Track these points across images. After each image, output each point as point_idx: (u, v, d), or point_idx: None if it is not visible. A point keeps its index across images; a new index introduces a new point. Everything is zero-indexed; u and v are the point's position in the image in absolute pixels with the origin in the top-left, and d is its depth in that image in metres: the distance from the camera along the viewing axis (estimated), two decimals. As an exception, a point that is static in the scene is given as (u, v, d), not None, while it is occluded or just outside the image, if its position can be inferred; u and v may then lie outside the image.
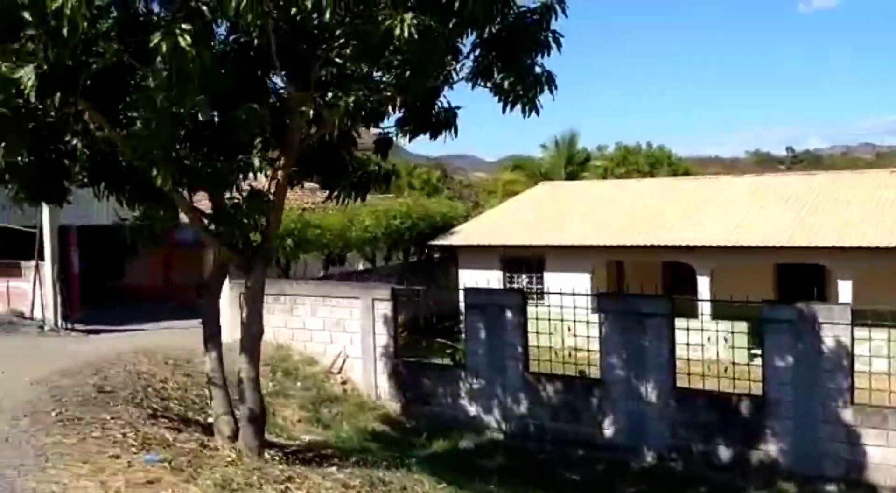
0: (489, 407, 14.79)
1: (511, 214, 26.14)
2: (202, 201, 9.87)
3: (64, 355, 14.18)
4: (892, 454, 11.50)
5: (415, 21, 6.54)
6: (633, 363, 13.33)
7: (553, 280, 21.45)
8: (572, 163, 38.30)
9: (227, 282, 17.95)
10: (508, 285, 23.38)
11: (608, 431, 13.64)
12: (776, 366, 12.32)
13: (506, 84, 8.14)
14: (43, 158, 8.16)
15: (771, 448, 12.39)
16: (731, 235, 20.37)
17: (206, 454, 8.37)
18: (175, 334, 19.17)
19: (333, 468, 9.05)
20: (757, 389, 12.67)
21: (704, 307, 18.52)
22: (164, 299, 25.78)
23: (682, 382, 13.22)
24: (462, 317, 19.63)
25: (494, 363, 14.69)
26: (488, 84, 8.78)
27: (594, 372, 14.39)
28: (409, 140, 9.92)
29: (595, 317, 14.36)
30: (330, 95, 8.52)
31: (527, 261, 23.51)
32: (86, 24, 5.59)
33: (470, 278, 22.12)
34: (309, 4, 6.10)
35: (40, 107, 7.25)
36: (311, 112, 8.18)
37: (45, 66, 6.25)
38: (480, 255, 23.79)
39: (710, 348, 13.68)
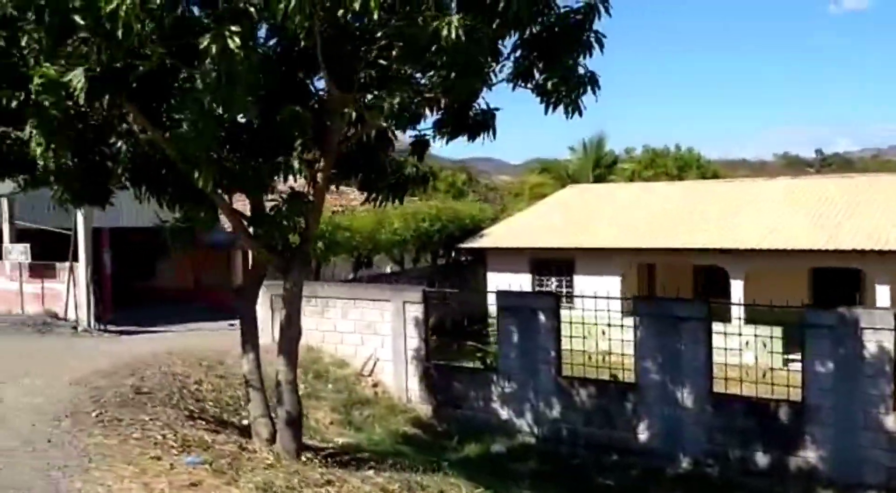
0: (521, 411, 14.67)
1: (540, 216, 26.02)
2: (238, 203, 9.91)
3: (99, 356, 14.31)
4: (937, 463, 11.24)
5: (462, 22, 6.48)
6: (668, 367, 13.16)
7: (583, 283, 21.37)
8: (600, 165, 38.07)
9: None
10: (537, 288, 23.27)
11: (643, 436, 13.47)
12: (816, 372, 12.10)
13: (549, 85, 8.05)
14: (86, 160, 8.21)
15: (810, 455, 12.16)
16: (765, 239, 20.09)
17: (245, 457, 8.37)
18: (205, 336, 19.35)
19: (371, 472, 9.02)
20: (793, 394, 12.44)
21: (737, 311, 18.27)
22: (193, 300, 26.02)
23: (716, 386, 13.03)
24: (490, 320, 19.61)
25: (527, 367, 14.58)
26: (529, 85, 8.69)
27: (625, 376, 14.27)
28: (447, 142, 9.86)
29: (625, 321, 14.26)
30: (370, 96, 8.55)
31: (556, 264, 23.37)
32: (139, 25, 5.61)
33: (498, 280, 22.04)
34: (357, 6, 6.06)
35: (85, 109, 7.29)
36: (354, 114, 8.14)
37: (98, 69, 6.27)
38: (509, 257, 23.70)
39: (742, 352, 13.46)
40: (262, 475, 7.46)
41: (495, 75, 8.31)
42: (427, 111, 9.12)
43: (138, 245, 25.31)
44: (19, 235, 21.50)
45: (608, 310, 13.71)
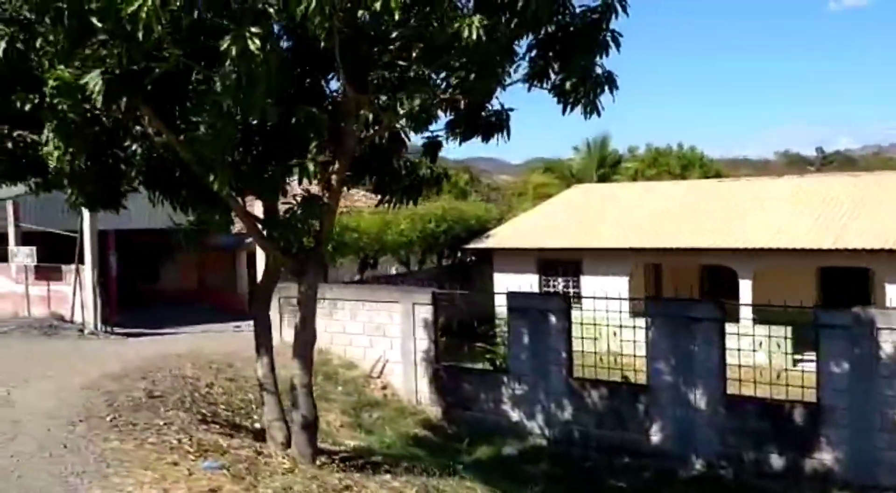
0: (532, 413, 14.61)
1: (546, 217, 25.95)
2: (248, 206, 9.83)
3: (108, 359, 14.25)
4: (954, 464, 11.17)
5: (482, 22, 6.41)
6: (681, 369, 13.08)
7: (590, 284, 21.27)
8: (604, 165, 38.00)
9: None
10: (544, 289, 23.22)
11: (655, 438, 13.40)
12: (831, 372, 12.02)
13: (567, 85, 7.97)
14: (100, 163, 8.14)
15: (825, 457, 12.08)
16: (774, 239, 20.02)
17: (262, 461, 8.30)
18: (212, 338, 19.30)
19: (387, 476, 8.96)
20: (807, 395, 12.37)
21: (746, 311, 18.23)
22: (197, 302, 25.99)
23: (729, 388, 12.94)
24: (497, 321, 19.56)
25: (537, 368, 14.51)
26: (545, 86, 8.62)
27: (634, 377, 14.20)
28: (460, 143, 9.79)
29: (634, 321, 14.20)
30: (385, 97, 8.48)
31: (563, 264, 23.31)
32: (159, 27, 5.54)
33: (505, 281, 21.98)
34: (378, 6, 5.99)
35: (100, 112, 7.21)
36: (371, 115, 8.07)
37: (118, 71, 6.20)
38: (516, 258, 23.64)
39: (750, 353, 13.38)
40: (280, 481, 7.41)
41: (510, 76, 8.21)
42: (440, 112, 9.09)
43: (143, 247, 25.31)
44: (24, 238, 21.44)
45: (620, 311, 13.62)
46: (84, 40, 6.20)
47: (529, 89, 8.82)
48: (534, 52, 8.69)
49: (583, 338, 14.13)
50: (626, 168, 40.72)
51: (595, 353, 14.20)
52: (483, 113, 9.28)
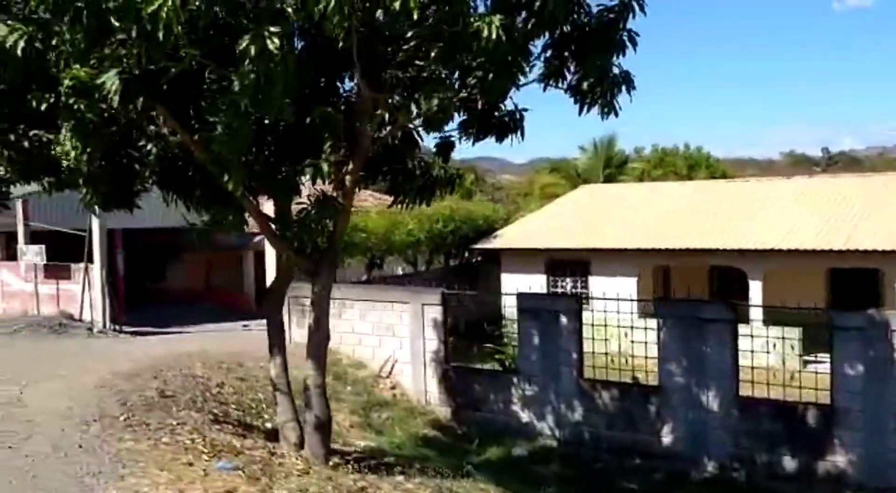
0: (542, 414, 14.55)
1: (553, 217, 25.88)
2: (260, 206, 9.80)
3: (118, 358, 14.24)
4: (969, 468, 11.09)
5: (503, 22, 6.36)
6: (693, 370, 13.02)
7: (598, 284, 21.22)
8: (610, 165, 37.89)
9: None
10: (552, 289, 23.15)
11: (666, 439, 13.34)
12: (845, 374, 11.94)
13: (584, 85, 7.91)
14: (114, 163, 8.12)
15: (839, 459, 12.01)
16: (784, 239, 19.93)
17: (276, 462, 8.27)
18: (220, 337, 19.30)
19: (401, 478, 8.92)
20: (818, 397, 12.30)
21: (756, 313, 18.14)
22: (204, 301, 25.97)
23: (741, 389, 12.87)
24: (505, 321, 19.50)
25: (548, 369, 14.45)
26: (561, 86, 8.57)
27: (645, 378, 14.13)
28: (473, 143, 9.74)
29: (642, 322, 14.15)
30: (398, 98, 8.45)
31: (571, 265, 23.23)
32: (179, 27, 5.50)
33: (513, 282, 21.90)
34: (397, 5, 5.95)
35: (115, 112, 7.18)
36: (387, 115, 8.03)
37: (137, 71, 6.17)
38: (524, 258, 23.57)
39: (761, 354, 13.32)
40: (295, 482, 7.38)
41: (526, 76, 8.15)
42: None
43: (150, 246, 25.32)
44: (33, 237, 21.47)
45: (632, 313, 13.53)
46: (102, 40, 6.17)
47: (545, 89, 8.77)
48: (549, 52, 8.64)
49: (593, 339, 14.08)
50: (632, 168, 40.62)
51: (606, 354, 14.15)
52: (496, 113, 9.23)
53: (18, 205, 21.02)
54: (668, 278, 23.79)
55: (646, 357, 13.92)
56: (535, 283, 21.87)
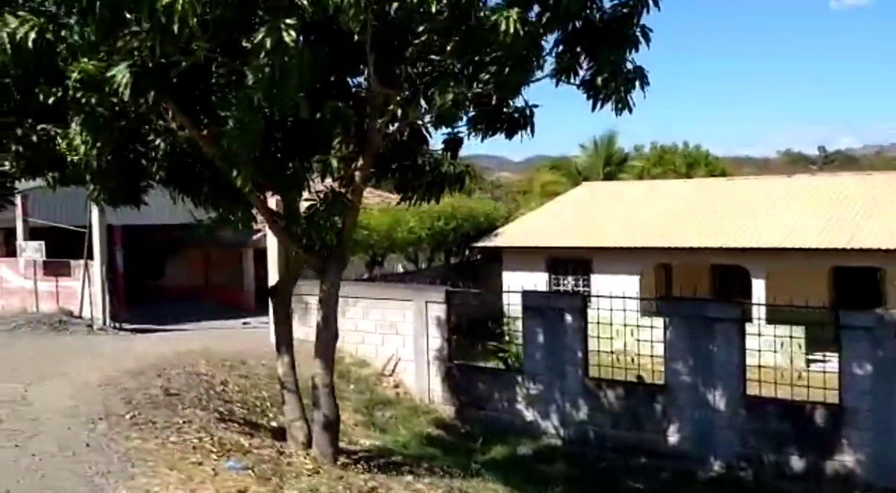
0: (547, 413, 14.47)
1: (554, 215, 25.79)
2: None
3: (120, 356, 14.13)
4: (979, 467, 11.04)
5: (520, 16, 6.27)
6: (699, 369, 12.95)
7: (600, 283, 21.14)
8: (610, 163, 37.81)
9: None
10: (554, 288, 23.07)
11: (672, 438, 13.27)
12: (854, 374, 11.89)
13: (598, 81, 7.82)
14: (122, 158, 8.00)
15: (847, 459, 11.96)
16: (787, 238, 19.87)
17: (285, 462, 8.19)
18: (221, 335, 19.18)
19: (410, 477, 8.84)
20: (826, 396, 12.24)
21: (758, 312, 18.08)
22: (203, 299, 25.81)
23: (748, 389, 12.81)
24: (506, 319, 19.41)
25: (553, 368, 14.37)
26: (574, 81, 8.49)
27: (648, 377, 14.06)
28: (482, 139, 9.66)
29: (645, 321, 14.10)
30: (408, 93, 8.35)
31: (573, 263, 23.15)
32: (195, 20, 5.39)
33: (514, 280, 21.77)
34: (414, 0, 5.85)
35: (123, 106, 7.05)
36: (399, 110, 7.93)
37: (150, 64, 6.06)
38: (525, 257, 23.48)
39: (765, 353, 13.27)
40: (306, 482, 7.29)
41: (542, 70, 8.07)
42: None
43: (149, 243, 25.16)
44: (32, 233, 21.30)
45: (638, 311, 13.45)
46: (114, 32, 6.05)
47: (557, 85, 8.69)
48: (560, 48, 8.56)
49: (599, 338, 14.01)
50: (632, 166, 40.54)
51: (612, 352, 14.09)
52: (504, 109, 9.14)
53: (18, 200, 20.86)
54: (669, 276, 23.73)
55: (651, 356, 13.83)
56: (537, 281, 21.79)
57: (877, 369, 11.66)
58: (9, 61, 5.90)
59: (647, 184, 30.41)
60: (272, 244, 18.01)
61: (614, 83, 7.91)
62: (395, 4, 6.48)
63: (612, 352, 14.08)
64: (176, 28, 5.39)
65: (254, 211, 8.96)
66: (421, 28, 7.46)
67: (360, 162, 8.77)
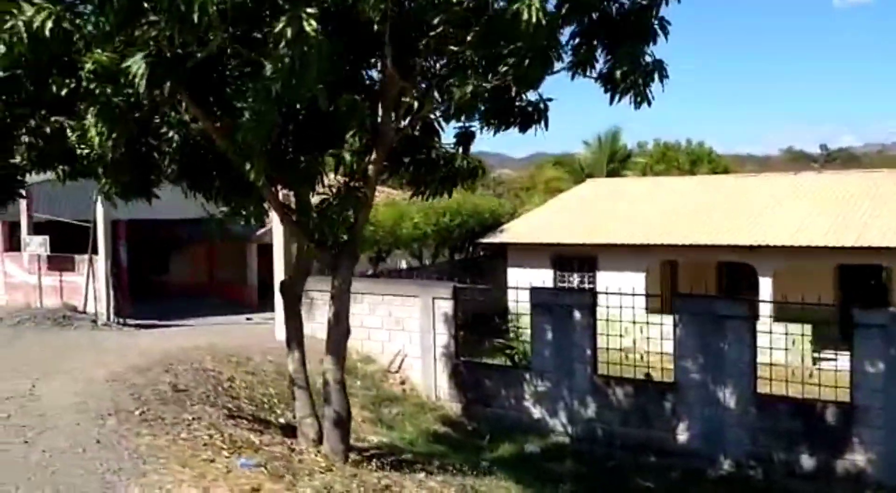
0: (554, 410, 14.39)
1: (560, 211, 25.68)
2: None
3: (126, 351, 14.03)
4: None
5: (543, 5, 6.16)
6: (709, 367, 12.85)
7: (606, 280, 21.02)
8: (614, 160, 37.69)
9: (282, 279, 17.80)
10: (559, 284, 22.97)
11: (682, 437, 13.18)
12: (866, 372, 11.79)
13: (618, 73, 7.71)
14: (134, 151, 7.88)
15: (858, 458, 11.87)
16: (795, 236, 19.77)
17: (297, 459, 8.10)
18: (225, 330, 19.08)
19: (422, 475, 8.75)
20: (837, 395, 12.15)
21: (764, 309, 17.98)
22: (207, 295, 25.71)
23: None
24: (511, 316, 19.32)
25: (561, 365, 14.28)
26: (591, 74, 8.38)
27: (658, 374, 13.96)
28: (495, 133, 9.53)
29: (653, 318, 14.03)
30: (424, 85, 8.24)
31: (579, 260, 23.04)
32: (214, 8, 5.28)
33: (519, 276, 21.72)
34: (436, -11, 5.74)
35: (140, 97, 6.93)
36: (416, 103, 7.81)
37: (167, 54, 5.95)
38: (530, 253, 23.37)
39: (775, 351, 13.18)
40: (319, 480, 7.20)
41: (562, 62, 7.95)
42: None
43: (152, 238, 25.06)
44: (35, 227, 21.19)
45: (647, 308, 13.35)
46: (132, 21, 5.93)
47: (573, 78, 8.60)
48: (576, 40, 8.45)
49: (608, 335, 13.91)
50: (635, 163, 40.45)
51: (621, 350, 13.99)
52: (518, 103, 9.02)
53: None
54: (675, 273, 23.61)
55: (661, 354, 13.75)
56: (542, 278, 21.71)
57: (889, 367, 11.57)
58: (25, 51, 5.78)
59: (652, 181, 30.32)
60: (278, 239, 17.91)
61: (633, 76, 7.80)
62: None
63: (621, 349, 13.97)
64: (196, 17, 5.28)
65: (265, 205, 8.84)
66: (437, 20, 7.35)
67: (374, 156, 8.66)
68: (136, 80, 6.11)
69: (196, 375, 12.06)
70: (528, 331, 15.09)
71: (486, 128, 9.29)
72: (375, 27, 6.43)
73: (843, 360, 13.30)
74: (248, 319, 21.56)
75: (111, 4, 5.55)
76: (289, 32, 5.56)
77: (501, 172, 75.40)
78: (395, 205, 22.78)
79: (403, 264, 25.81)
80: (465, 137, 9.88)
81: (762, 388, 12.74)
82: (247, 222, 8.66)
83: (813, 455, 12.19)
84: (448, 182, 9.56)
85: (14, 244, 22.17)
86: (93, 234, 19.61)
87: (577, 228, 23.43)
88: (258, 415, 11.01)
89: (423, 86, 8.28)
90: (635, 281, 20.42)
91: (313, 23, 5.57)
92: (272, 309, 18.80)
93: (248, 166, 7.59)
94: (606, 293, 14.01)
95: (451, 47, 7.14)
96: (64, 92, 6.96)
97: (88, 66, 6.60)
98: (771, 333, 12.67)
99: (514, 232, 24.54)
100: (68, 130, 7.24)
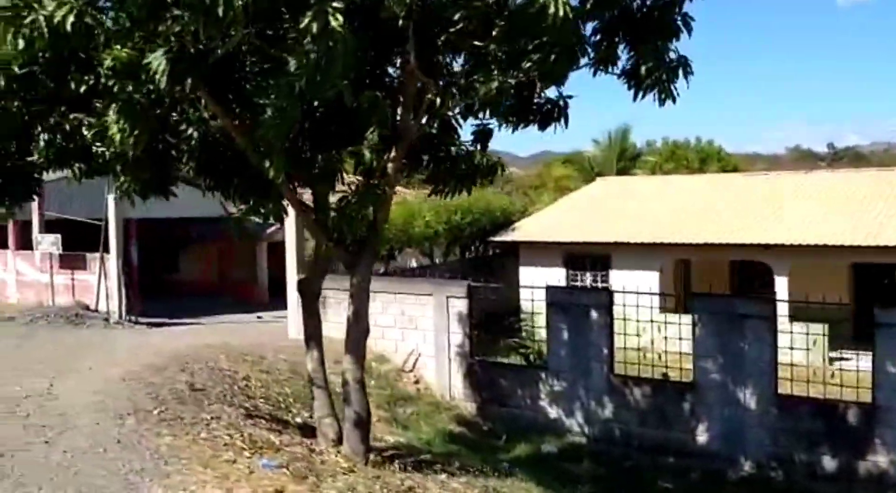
0: (571, 410, 14.27)
1: (571, 210, 25.52)
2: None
3: (140, 350, 13.99)
4: None
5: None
6: (729, 367, 12.72)
7: (619, 279, 20.88)
8: (624, 158, 37.47)
9: (295, 277, 17.71)
10: (572, 283, 22.82)
11: (701, 438, 13.05)
12: (888, 372, 11.65)
13: (643, 70, 7.58)
14: (152, 148, 7.79)
15: (880, 459, 11.73)
16: (810, 234, 19.58)
17: (318, 460, 8.01)
18: (237, 329, 19.05)
19: (444, 476, 8.65)
20: (858, 395, 12.00)
21: (782, 309, 17.80)
22: (218, 294, 25.68)
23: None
24: (523, 314, 19.18)
25: (577, 365, 14.16)
26: (613, 70, 8.26)
27: (674, 374, 13.84)
28: (513, 131, 9.43)
29: (663, 317, 13.93)
30: (443, 82, 8.13)
31: (591, 259, 22.89)
32: (240, 3, 5.19)
33: (531, 275, 21.59)
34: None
35: (160, 94, 6.84)
36: (438, 100, 7.70)
37: (191, 50, 5.86)
38: (542, 251, 23.22)
39: (789, 350, 13.05)
40: (342, 481, 7.12)
41: (587, 57, 7.83)
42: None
43: (162, 237, 25.05)
44: (47, 226, 21.18)
45: (665, 308, 13.22)
46: (155, 16, 5.84)
47: (595, 74, 8.47)
48: (598, 36, 8.33)
49: (625, 334, 13.79)
50: (644, 161, 40.23)
51: (639, 349, 13.87)
52: (536, 100, 8.91)
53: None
54: (688, 272, 23.44)
55: (679, 353, 13.63)
56: (554, 276, 21.55)
57: (913, 367, 11.42)
58: (45, 46, 5.70)
59: (664, 179, 30.12)
60: (290, 238, 17.83)
61: (658, 73, 7.68)
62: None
63: (639, 349, 13.85)
64: (221, 11, 5.18)
65: (284, 203, 8.74)
66: (457, 16, 7.24)
67: (393, 153, 8.56)
68: (157, 76, 6.02)
69: (212, 374, 11.99)
70: (543, 330, 14.98)
71: (504, 125, 9.22)
72: (400, 23, 6.31)
73: (859, 360, 13.16)
74: (258, 317, 21.52)
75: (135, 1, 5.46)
76: (314, 27, 5.44)
77: (508, 171, 75.11)
78: (406, 203, 22.67)
79: (413, 263, 25.73)
80: (482, 135, 9.79)
81: (781, 388, 12.61)
82: (265, 221, 8.53)
83: (835, 457, 12.05)
84: (467, 180, 9.44)
85: (26, 243, 22.15)
86: (104, 232, 19.57)
87: (590, 226, 23.27)
88: (275, 415, 10.93)
89: (443, 82, 8.17)
90: (649, 280, 20.22)
91: (339, 17, 5.46)
92: (283, 307, 18.77)
93: (267, 164, 7.50)
94: (623, 292, 13.86)
95: (475, 43, 7.01)
96: (83, 89, 6.87)
97: (107, 62, 6.51)
98: (792, 333, 12.48)
99: (525, 230, 24.39)
100: (84, 129, 7.14)
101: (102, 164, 8.26)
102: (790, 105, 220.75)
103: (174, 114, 7.67)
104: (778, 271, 19.81)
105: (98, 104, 7.26)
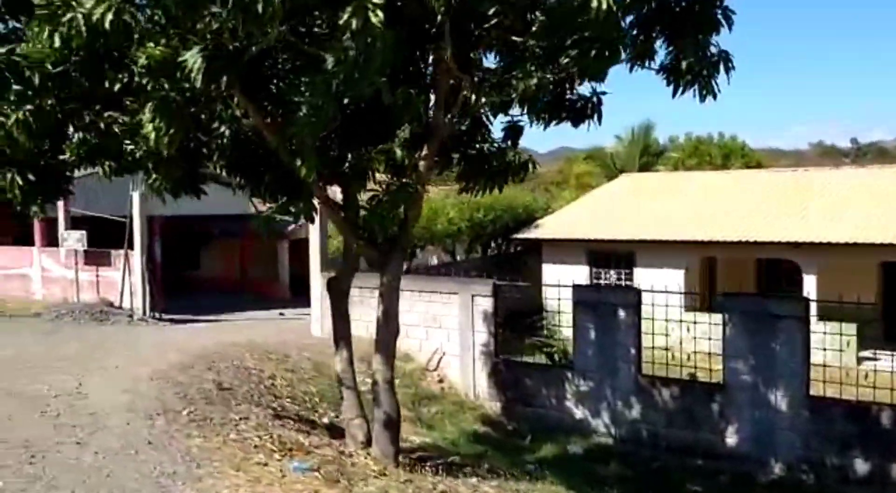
0: (598, 410, 14.11)
1: (594, 207, 25.28)
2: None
3: (165, 348, 13.96)
4: None
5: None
6: (760, 368, 12.49)
7: (644, 277, 20.66)
8: (647, 154, 37.11)
9: (318, 275, 17.67)
10: (595, 281, 22.62)
11: (731, 439, 12.84)
12: (924, 374, 11.40)
13: (683, 65, 7.40)
14: (184, 146, 7.71)
15: (916, 463, 11.48)
16: (839, 231, 19.25)
17: (349, 462, 7.92)
18: (259, 325, 19.07)
19: (475, 479, 8.53)
20: (891, 397, 11.74)
21: (811, 308, 17.51)
22: (239, 291, 25.73)
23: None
24: (545, 313, 19.00)
25: (604, 365, 13.99)
26: (651, 66, 8.07)
27: (701, 375, 13.64)
28: (545, 128, 9.27)
29: (688, 316, 13.71)
30: (476, 78, 7.99)
31: (615, 256, 22.67)
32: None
33: (554, 273, 21.40)
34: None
35: (195, 92, 6.75)
36: (473, 97, 7.56)
37: (229, 47, 5.76)
38: (565, 249, 23.03)
39: (820, 351, 12.80)
40: (374, 485, 7.03)
41: (627, 53, 7.65)
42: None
43: (184, 234, 25.11)
44: (72, 222, 21.28)
45: (686, 307, 13.00)
46: (193, 13, 5.75)
47: (631, 70, 8.29)
48: (635, 30, 8.14)
49: (653, 334, 13.60)
50: (667, 157, 39.85)
51: (667, 349, 13.68)
52: (569, 96, 8.74)
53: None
54: (713, 270, 23.15)
55: (709, 353, 13.41)
56: (578, 274, 21.38)
57: (951, 369, 11.16)
58: (82, 44, 5.63)
59: (687, 175, 29.75)
60: (314, 235, 17.78)
61: (698, 68, 7.50)
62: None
63: (667, 349, 13.66)
64: (260, 7, 5.08)
65: (315, 202, 8.64)
66: (492, 11, 7.10)
67: (425, 151, 8.44)
68: (193, 74, 5.94)
69: (238, 373, 11.95)
70: (566, 329, 14.82)
71: (536, 122, 9.06)
72: (438, 18, 6.18)
73: (894, 360, 12.89)
74: (280, 314, 21.52)
75: (171, -1, 5.37)
76: (354, 23, 5.33)
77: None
78: (429, 200, 22.53)
79: (434, 260, 25.64)
80: (513, 131, 9.64)
81: (812, 389, 12.38)
82: (295, 220, 8.43)
83: (867, 460, 11.79)
84: (499, 177, 9.28)
85: (51, 240, 22.27)
86: (129, 229, 19.63)
87: (613, 223, 23.05)
88: (302, 415, 10.86)
89: (478, 78, 8.04)
90: (675, 278, 20.03)
91: (379, 13, 5.34)
92: (304, 305, 18.74)
93: (298, 163, 7.40)
94: (652, 291, 13.66)
95: (514, 38, 6.86)
96: (117, 87, 6.81)
97: (142, 60, 6.43)
98: (826, 333, 12.24)
99: (548, 227, 24.20)
100: (114, 126, 7.07)
101: (133, 162, 8.21)
102: (812, 100, 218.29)
103: (206, 112, 7.57)
104: (807, 269, 19.51)
105: (130, 103, 7.21)
